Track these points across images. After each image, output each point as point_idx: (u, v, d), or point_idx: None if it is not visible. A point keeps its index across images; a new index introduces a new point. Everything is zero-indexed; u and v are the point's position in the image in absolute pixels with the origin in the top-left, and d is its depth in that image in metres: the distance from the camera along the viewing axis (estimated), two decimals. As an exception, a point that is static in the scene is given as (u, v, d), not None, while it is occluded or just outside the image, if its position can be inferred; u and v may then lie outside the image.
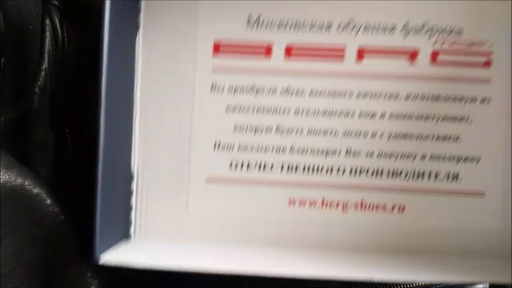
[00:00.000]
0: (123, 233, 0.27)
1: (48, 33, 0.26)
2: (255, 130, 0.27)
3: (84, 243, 0.24)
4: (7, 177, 0.23)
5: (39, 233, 0.23)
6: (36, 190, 0.24)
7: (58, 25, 0.26)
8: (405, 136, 0.27)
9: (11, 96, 0.25)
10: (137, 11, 0.27)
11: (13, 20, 0.25)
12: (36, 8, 0.26)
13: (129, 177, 0.27)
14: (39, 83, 0.26)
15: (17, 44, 0.25)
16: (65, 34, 0.27)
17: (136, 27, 0.27)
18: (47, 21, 0.26)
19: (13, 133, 0.25)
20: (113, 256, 0.24)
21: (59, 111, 0.27)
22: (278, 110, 0.27)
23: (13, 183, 0.23)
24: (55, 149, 0.27)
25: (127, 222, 0.27)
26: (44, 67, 0.26)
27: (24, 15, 0.26)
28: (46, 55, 0.26)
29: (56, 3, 0.27)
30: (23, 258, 0.23)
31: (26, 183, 0.23)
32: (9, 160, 0.24)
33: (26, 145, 0.26)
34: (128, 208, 0.27)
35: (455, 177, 0.27)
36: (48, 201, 0.24)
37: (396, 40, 0.27)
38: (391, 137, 0.27)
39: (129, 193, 0.27)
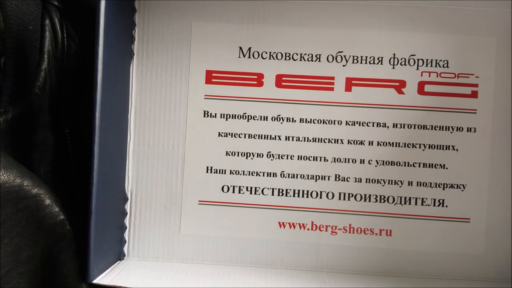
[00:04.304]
0: (117, 252, 0.28)
1: (48, 33, 0.26)
2: (247, 155, 0.28)
3: (81, 253, 0.24)
4: (6, 177, 0.22)
5: (37, 233, 0.23)
6: (35, 191, 0.23)
7: (58, 25, 0.26)
8: (392, 163, 0.27)
9: (11, 96, 0.25)
10: (131, 39, 0.28)
11: (13, 20, 0.25)
12: (36, 8, 0.26)
13: (123, 199, 0.28)
14: (38, 83, 0.26)
15: (17, 44, 0.25)
16: (65, 34, 0.27)
17: (130, 55, 0.28)
18: (47, 21, 0.26)
19: (13, 133, 0.25)
20: (107, 277, 0.25)
21: (59, 111, 0.27)
22: (269, 136, 0.28)
23: (12, 183, 0.23)
24: (55, 149, 0.27)
25: (121, 242, 0.28)
26: (43, 67, 0.26)
27: (24, 15, 0.25)
28: (45, 55, 0.26)
29: (56, 3, 0.27)
30: (21, 259, 0.23)
31: (25, 184, 0.23)
32: (8, 160, 0.23)
33: (26, 145, 0.26)
34: (122, 228, 0.28)
35: (441, 203, 0.27)
36: (47, 202, 0.24)
37: (384, 71, 0.27)
38: (379, 164, 0.27)
39: (123, 214, 0.28)
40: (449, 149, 0.27)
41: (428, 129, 0.27)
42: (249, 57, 0.28)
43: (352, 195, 0.28)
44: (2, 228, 0.22)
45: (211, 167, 0.28)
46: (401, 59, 0.27)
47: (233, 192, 0.28)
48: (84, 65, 0.27)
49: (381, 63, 0.27)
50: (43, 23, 0.26)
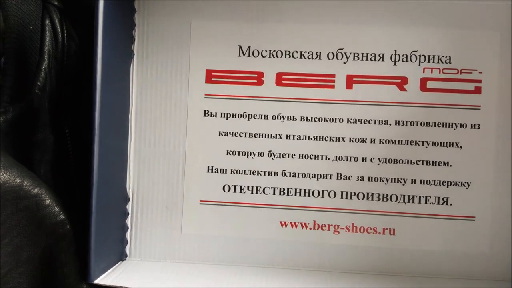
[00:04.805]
0: (119, 252, 0.28)
1: (48, 33, 0.26)
2: (248, 154, 0.28)
3: (82, 253, 0.24)
4: (6, 177, 0.23)
5: (37, 233, 0.24)
6: (35, 191, 0.24)
7: (58, 25, 0.26)
8: (395, 161, 0.27)
9: (11, 96, 0.25)
10: (131, 39, 0.28)
11: (13, 20, 0.25)
12: (36, 8, 0.26)
13: (124, 199, 0.28)
14: (38, 83, 0.26)
15: (17, 44, 0.25)
16: (65, 34, 0.27)
17: (130, 55, 0.28)
18: (47, 21, 0.26)
19: (13, 133, 0.25)
20: (108, 277, 0.25)
21: (59, 111, 0.27)
22: (270, 135, 0.28)
23: (12, 183, 0.23)
24: (55, 149, 0.27)
25: (122, 242, 0.28)
26: (43, 67, 0.26)
27: (24, 15, 0.25)
28: (45, 55, 0.26)
29: (56, 3, 0.27)
30: (21, 259, 0.23)
31: (25, 184, 0.23)
32: (8, 160, 0.23)
33: (26, 145, 0.26)
34: (124, 228, 0.28)
35: (445, 201, 0.27)
36: (47, 201, 0.24)
37: (385, 68, 0.27)
38: (381, 162, 0.27)
39: (124, 214, 0.28)
40: (452, 146, 0.27)
41: (431, 126, 0.27)
42: (249, 55, 0.27)
43: (355, 193, 0.27)
44: (2, 228, 0.22)
45: (212, 167, 0.28)
46: (403, 56, 0.27)
47: (234, 191, 0.28)
48: (84, 65, 0.27)
49: (382, 60, 0.27)
50: (43, 23, 0.26)
